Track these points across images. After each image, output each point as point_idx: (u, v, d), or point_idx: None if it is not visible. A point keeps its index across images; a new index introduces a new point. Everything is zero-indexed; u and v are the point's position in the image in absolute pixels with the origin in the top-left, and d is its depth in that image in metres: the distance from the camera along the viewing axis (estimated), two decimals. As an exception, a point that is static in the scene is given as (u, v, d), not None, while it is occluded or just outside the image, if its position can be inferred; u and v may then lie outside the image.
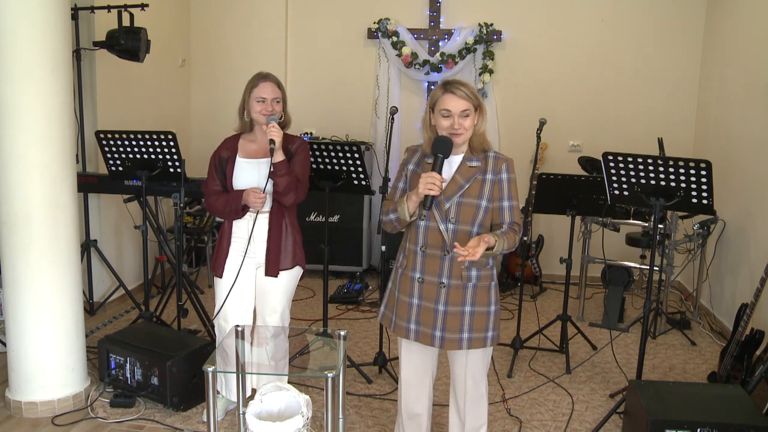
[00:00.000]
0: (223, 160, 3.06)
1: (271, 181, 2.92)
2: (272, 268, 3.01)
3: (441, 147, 2.34)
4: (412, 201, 2.36)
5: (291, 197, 2.94)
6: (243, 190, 2.96)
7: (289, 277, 3.07)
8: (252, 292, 3.11)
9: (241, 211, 2.98)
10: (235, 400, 3.24)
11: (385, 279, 4.16)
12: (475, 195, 2.39)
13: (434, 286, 2.43)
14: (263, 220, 3.01)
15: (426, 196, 2.32)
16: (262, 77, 2.98)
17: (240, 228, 3.04)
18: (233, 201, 2.96)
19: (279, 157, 2.89)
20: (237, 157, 3.04)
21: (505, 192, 2.43)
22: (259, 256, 3.04)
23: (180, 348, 3.32)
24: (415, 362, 2.58)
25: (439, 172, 2.33)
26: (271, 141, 2.85)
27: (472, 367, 2.53)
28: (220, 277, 3.07)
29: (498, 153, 2.47)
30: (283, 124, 3.03)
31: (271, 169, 2.88)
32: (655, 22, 5.42)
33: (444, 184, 2.36)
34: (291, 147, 3.02)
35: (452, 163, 2.43)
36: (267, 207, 3.00)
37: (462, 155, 2.44)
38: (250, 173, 3.00)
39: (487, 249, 2.29)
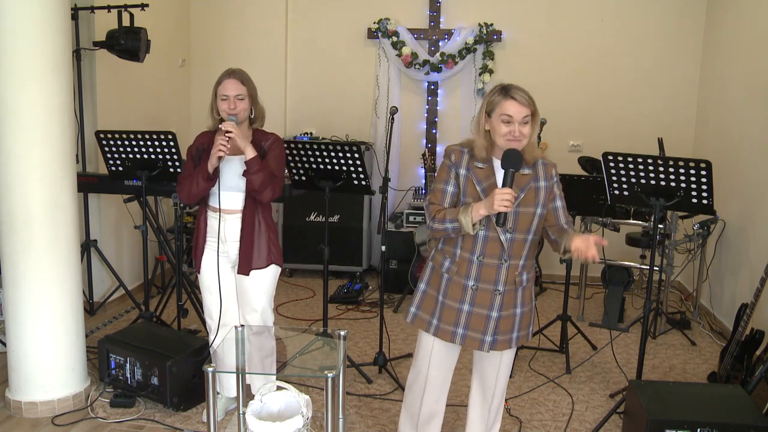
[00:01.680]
0: (201, 150, 3.00)
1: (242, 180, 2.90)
2: (244, 267, 2.99)
3: (512, 161, 2.31)
4: (479, 215, 2.32)
5: (267, 193, 2.90)
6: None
7: (266, 275, 3.03)
8: (233, 289, 3.09)
9: (210, 178, 2.89)
10: (230, 397, 3.26)
11: (386, 279, 4.15)
12: (531, 203, 2.40)
13: (489, 293, 2.44)
14: (235, 219, 2.98)
15: (499, 213, 2.29)
16: (226, 74, 2.94)
17: (213, 228, 3.01)
18: (200, 168, 2.91)
19: (251, 153, 2.86)
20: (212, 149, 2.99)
21: (557, 194, 2.48)
22: (233, 255, 3.03)
23: (180, 348, 3.32)
24: (443, 362, 2.59)
25: (510, 187, 2.30)
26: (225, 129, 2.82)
27: (506, 363, 2.61)
28: (199, 273, 3.09)
29: (544, 159, 2.47)
30: (253, 120, 3.02)
31: (220, 161, 2.85)
32: (655, 22, 5.42)
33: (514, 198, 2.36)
34: (264, 144, 2.99)
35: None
36: (239, 206, 2.96)
37: None
38: (224, 170, 2.94)
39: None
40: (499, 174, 2.37)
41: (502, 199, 2.25)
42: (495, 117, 2.34)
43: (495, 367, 2.60)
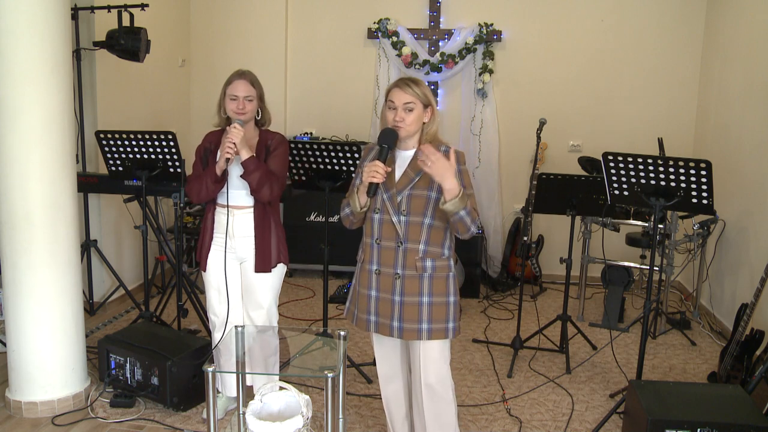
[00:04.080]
0: (208, 150, 3.06)
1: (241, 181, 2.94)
2: (262, 265, 3.03)
3: (385, 138, 2.43)
4: (361, 192, 2.45)
5: (265, 192, 2.92)
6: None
7: (274, 273, 3.09)
8: (238, 286, 3.12)
9: (220, 179, 2.92)
10: (231, 396, 3.26)
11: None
12: (424, 186, 2.44)
13: (390, 277, 2.48)
14: (243, 215, 3.01)
15: (370, 184, 2.40)
16: (237, 75, 2.99)
17: (221, 224, 3.04)
18: (208, 170, 2.94)
19: (245, 155, 2.87)
20: (218, 151, 3.02)
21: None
22: (240, 252, 3.05)
23: (180, 348, 3.32)
24: (388, 355, 2.63)
25: (384, 162, 2.40)
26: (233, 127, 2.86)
27: (431, 357, 2.49)
28: (204, 271, 3.11)
29: (449, 147, 2.48)
30: (262, 122, 3.07)
31: (228, 165, 2.90)
32: (655, 22, 5.42)
33: (395, 177, 2.45)
34: (270, 142, 3.04)
35: (405, 159, 2.50)
36: (248, 202, 3.00)
37: (414, 150, 2.49)
38: (233, 167, 2.98)
39: (450, 199, 2.29)
40: (399, 164, 2.49)
41: (370, 170, 2.37)
42: (385, 105, 2.47)
43: (417, 359, 2.52)
